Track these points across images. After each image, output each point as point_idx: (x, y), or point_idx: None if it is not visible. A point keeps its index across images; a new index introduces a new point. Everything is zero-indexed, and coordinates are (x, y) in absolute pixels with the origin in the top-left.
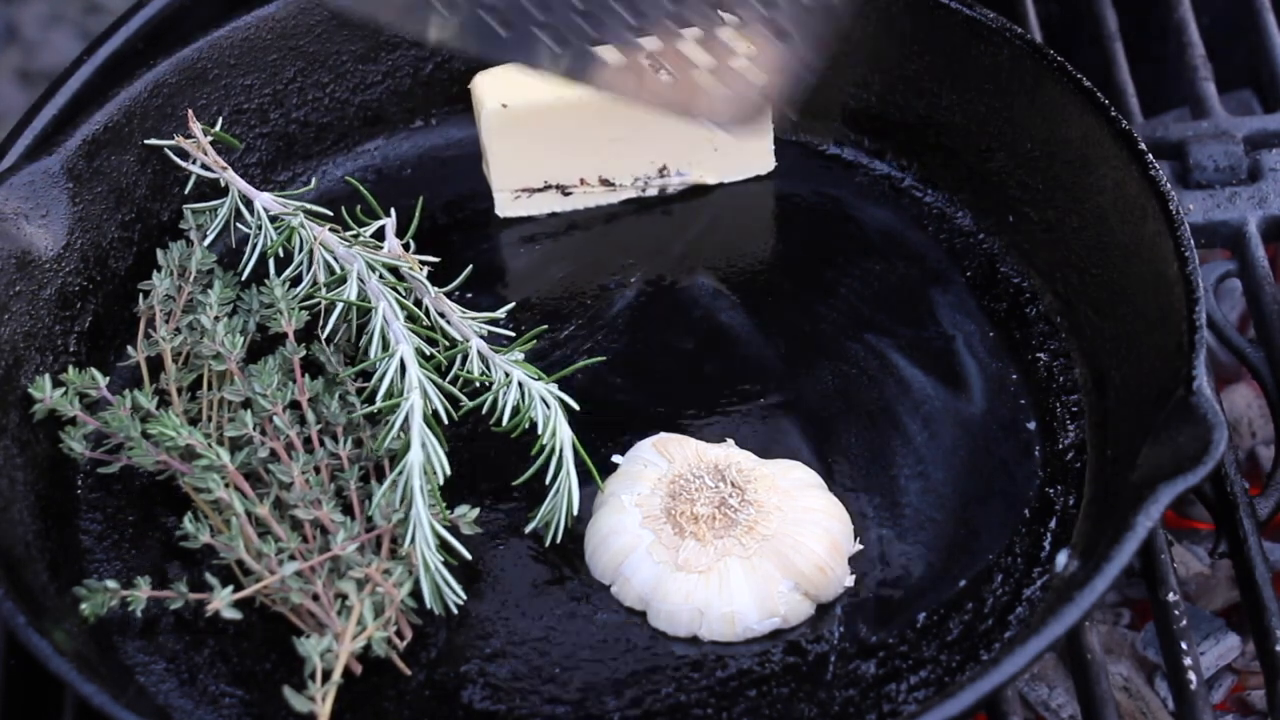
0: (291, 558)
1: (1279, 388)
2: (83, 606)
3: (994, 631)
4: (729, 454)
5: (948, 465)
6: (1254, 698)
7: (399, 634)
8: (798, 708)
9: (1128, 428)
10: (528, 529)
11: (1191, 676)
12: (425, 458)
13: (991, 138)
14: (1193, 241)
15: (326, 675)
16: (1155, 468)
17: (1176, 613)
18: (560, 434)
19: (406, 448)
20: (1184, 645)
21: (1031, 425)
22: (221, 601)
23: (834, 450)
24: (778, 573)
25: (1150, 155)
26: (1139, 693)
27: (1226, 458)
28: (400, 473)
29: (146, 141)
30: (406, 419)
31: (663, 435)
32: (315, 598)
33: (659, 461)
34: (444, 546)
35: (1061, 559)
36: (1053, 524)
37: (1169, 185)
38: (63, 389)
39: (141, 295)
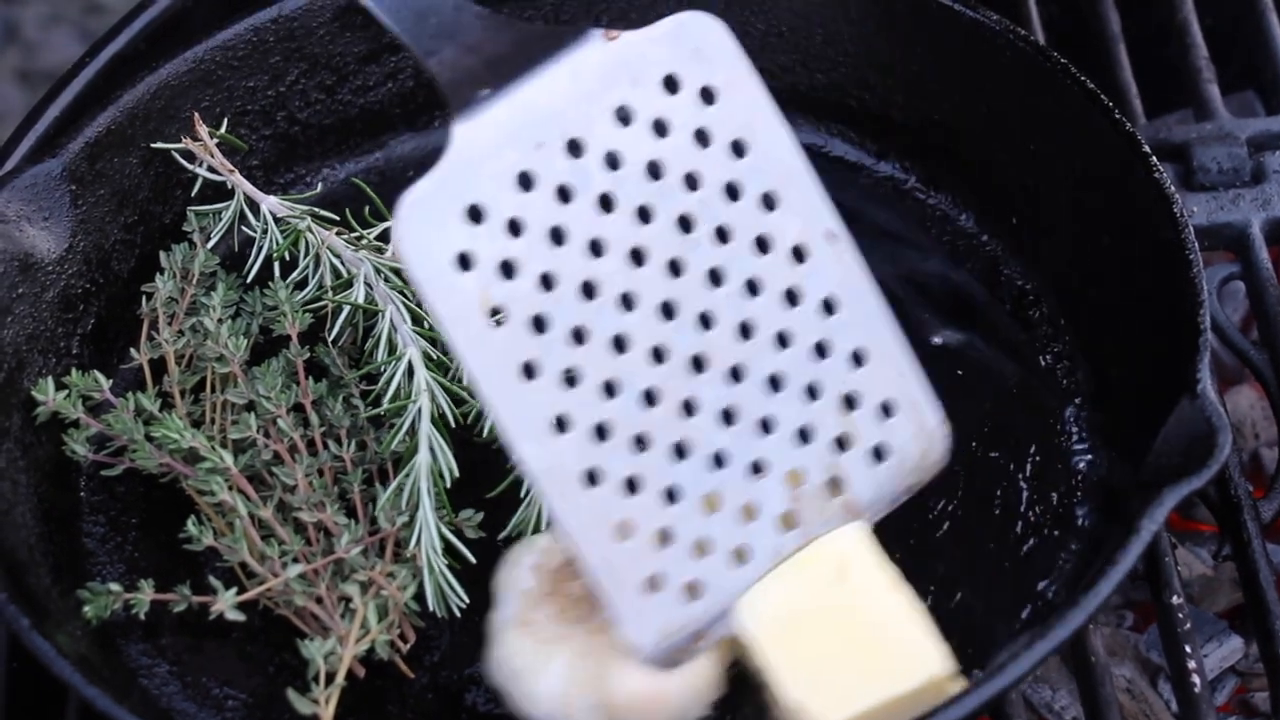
0: (295, 560)
1: None
2: (86, 609)
3: (997, 635)
4: None
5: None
6: (1257, 700)
7: (402, 637)
8: None
9: (1131, 430)
10: (500, 536)
11: (1195, 679)
12: (433, 460)
13: (994, 139)
14: (1196, 244)
15: (330, 678)
16: (1159, 471)
17: (1180, 615)
18: None
19: (413, 450)
20: (1187, 647)
21: (1034, 428)
22: (225, 603)
23: None
24: (586, 686)
25: (1154, 157)
26: (1142, 695)
27: (1230, 460)
28: (407, 475)
29: (154, 145)
30: (414, 422)
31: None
32: (319, 600)
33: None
34: (449, 550)
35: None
36: (1055, 529)
37: (1172, 187)
38: (66, 392)
39: (145, 298)
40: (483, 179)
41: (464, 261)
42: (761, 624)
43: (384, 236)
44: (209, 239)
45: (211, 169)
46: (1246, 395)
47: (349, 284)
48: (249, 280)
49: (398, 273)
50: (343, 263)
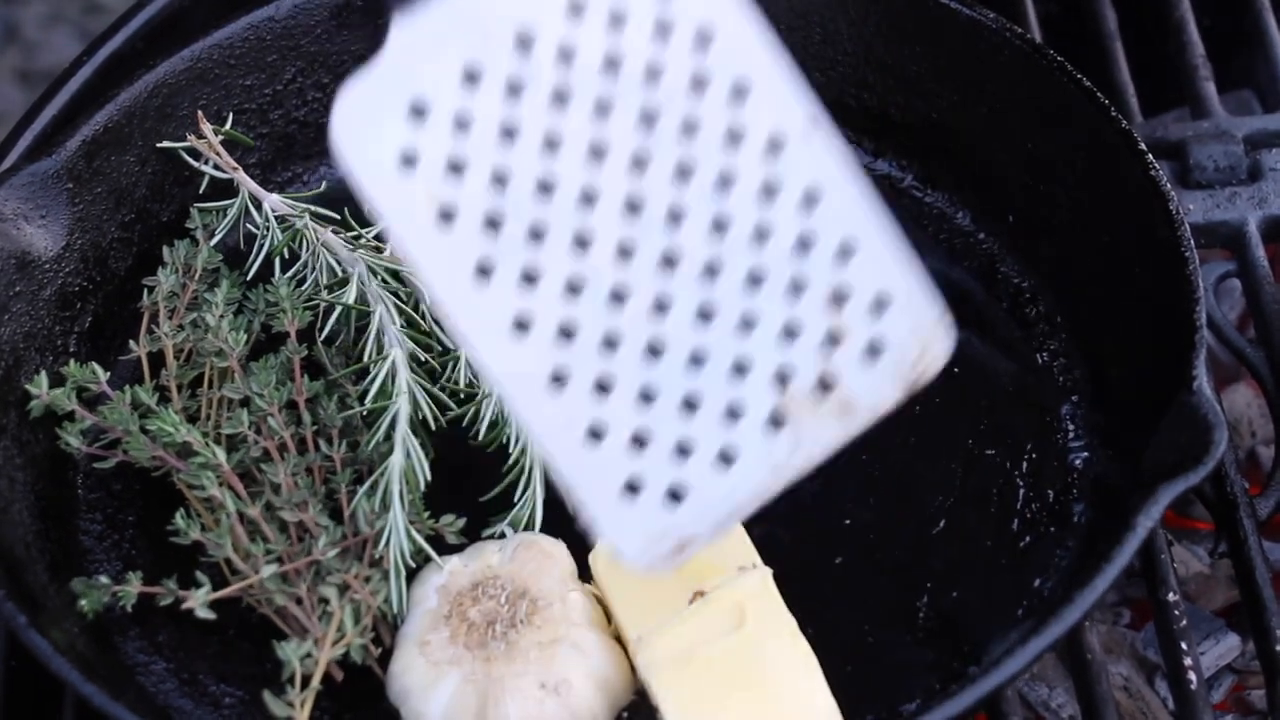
0: (279, 560)
1: (1279, 387)
2: (82, 602)
3: (993, 632)
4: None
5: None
6: (1254, 697)
7: (377, 641)
8: None
9: (1128, 428)
10: (484, 533)
11: (1191, 676)
12: (406, 463)
13: (991, 138)
14: (1193, 241)
15: (305, 680)
16: (1155, 467)
17: (1176, 612)
18: (531, 453)
19: (389, 452)
20: (1184, 645)
21: (1031, 425)
22: (197, 600)
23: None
24: (469, 714)
25: (1150, 155)
26: (1139, 693)
27: (1226, 457)
28: (381, 475)
29: (160, 145)
30: (392, 423)
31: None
32: (299, 601)
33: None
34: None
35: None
36: (1051, 526)
37: (1169, 185)
38: (61, 385)
39: (146, 291)
40: (425, 74)
41: (407, 161)
42: (656, 664)
43: (381, 236)
44: (212, 235)
45: (217, 166)
46: (1243, 393)
47: (344, 282)
48: (249, 277)
49: (394, 274)
50: (338, 261)
